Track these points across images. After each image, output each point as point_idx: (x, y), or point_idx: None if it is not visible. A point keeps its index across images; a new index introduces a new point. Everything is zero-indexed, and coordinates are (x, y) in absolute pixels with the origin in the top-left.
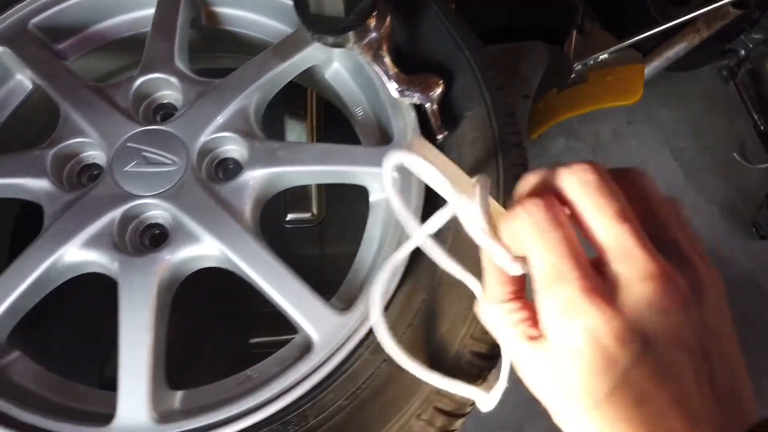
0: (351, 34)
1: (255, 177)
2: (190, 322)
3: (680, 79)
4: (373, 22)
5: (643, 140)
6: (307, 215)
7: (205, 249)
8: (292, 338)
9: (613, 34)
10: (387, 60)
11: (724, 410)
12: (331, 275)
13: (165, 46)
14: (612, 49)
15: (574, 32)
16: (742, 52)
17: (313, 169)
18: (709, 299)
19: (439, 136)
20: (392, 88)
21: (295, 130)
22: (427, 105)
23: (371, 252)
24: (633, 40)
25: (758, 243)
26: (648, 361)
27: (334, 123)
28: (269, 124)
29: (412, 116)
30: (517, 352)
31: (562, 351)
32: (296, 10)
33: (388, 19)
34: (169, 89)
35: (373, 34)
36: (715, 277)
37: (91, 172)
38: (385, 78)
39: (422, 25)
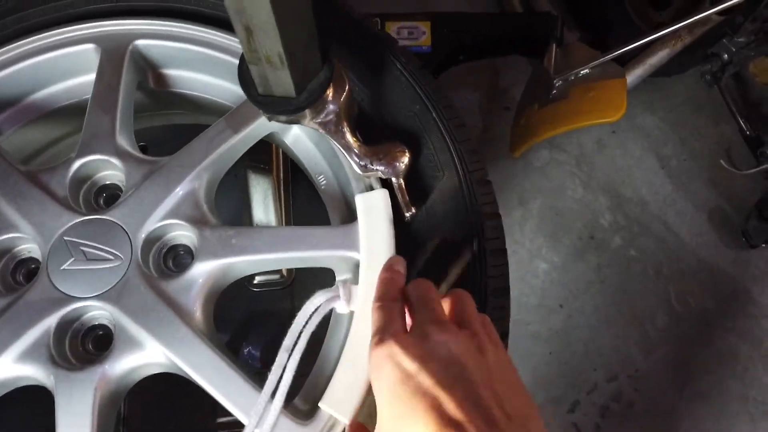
0: (307, 111)
1: (206, 270)
2: (154, 404)
3: (663, 85)
4: (330, 93)
5: (628, 149)
6: (276, 277)
7: (149, 356)
8: None
9: (593, 39)
10: (348, 134)
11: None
12: None
13: (105, 121)
14: (593, 63)
15: (554, 46)
16: (725, 56)
17: (271, 257)
18: (488, 353)
19: (407, 214)
20: (355, 164)
21: (259, 185)
22: (393, 179)
23: (338, 340)
24: (615, 53)
25: (748, 252)
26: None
27: (303, 176)
28: (231, 180)
29: None
30: None
31: None
32: (243, 89)
33: (347, 88)
34: (111, 170)
35: (331, 107)
36: (498, 345)
37: (28, 267)
38: (346, 154)
39: (385, 82)
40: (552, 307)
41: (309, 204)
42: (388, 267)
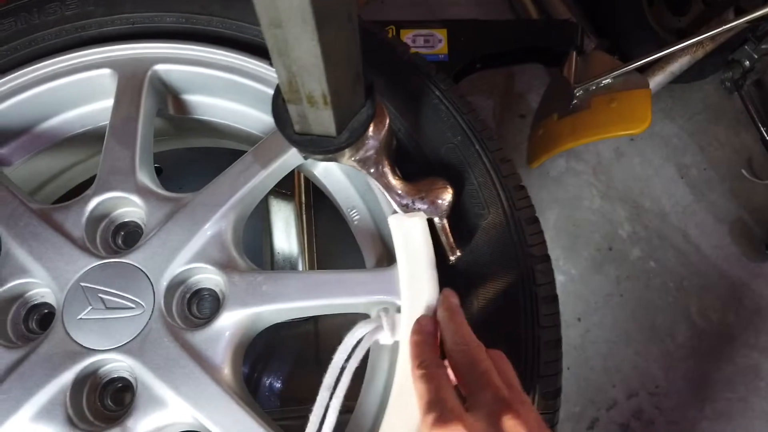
0: (346, 149)
1: (235, 320)
2: None
3: (683, 91)
4: (370, 129)
5: (647, 157)
6: None
7: (173, 415)
8: None
9: (610, 45)
10: (388, 171)
11: None
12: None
13: (124, 156)
14: (616, 73)
15: (574, 54)
16: (747, 63)
17: (305, 305)
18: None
19: (452, 257)
20: (395, 203)
21: (281, 212)
22: (436, 219)
23: (382, 370)
24: (639, 63)
25: None
26: None
27: (325, 203)
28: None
29: None
30: None
31: None
32: (278, 126)
33: (387, 122)
34: (130, 206)
35: (371, 142)
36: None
37: (41, 312)
38: (386, 192)
39: (423, 111)
40: (569, 320)
41: (334, 230)
42: (422, 325)
